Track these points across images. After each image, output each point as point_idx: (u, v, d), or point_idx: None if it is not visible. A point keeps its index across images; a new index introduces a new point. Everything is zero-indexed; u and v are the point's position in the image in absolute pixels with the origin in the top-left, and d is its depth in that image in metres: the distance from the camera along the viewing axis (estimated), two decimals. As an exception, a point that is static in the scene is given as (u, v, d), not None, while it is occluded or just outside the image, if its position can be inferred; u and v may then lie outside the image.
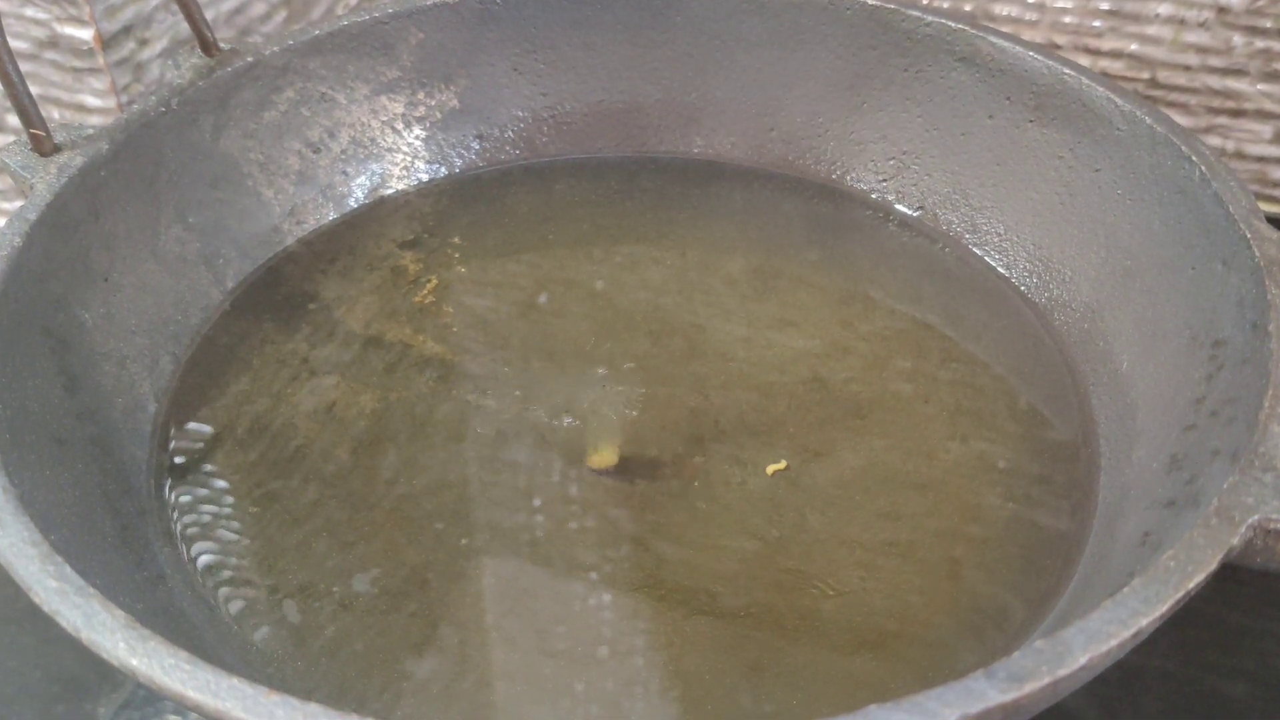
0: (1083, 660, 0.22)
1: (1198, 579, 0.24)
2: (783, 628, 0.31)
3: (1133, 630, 0.23)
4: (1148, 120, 0.36)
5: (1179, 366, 0.33)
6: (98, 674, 0.35)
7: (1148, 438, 0.33)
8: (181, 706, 0.22)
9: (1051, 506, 0.34)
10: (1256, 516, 0.25)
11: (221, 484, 0.35)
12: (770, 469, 0.35)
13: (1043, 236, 0.40)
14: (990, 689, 0.21)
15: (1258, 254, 0.31)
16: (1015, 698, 0.21)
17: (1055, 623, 0.30)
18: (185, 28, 0.42)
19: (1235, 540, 0.24)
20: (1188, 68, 0.47)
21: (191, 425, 0.36)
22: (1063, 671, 0.22)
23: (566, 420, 0.36)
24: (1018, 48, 0.40)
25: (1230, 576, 0.25)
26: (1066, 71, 0.39)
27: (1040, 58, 0.40)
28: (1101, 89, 0.38)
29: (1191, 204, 0.34)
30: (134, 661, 0.22)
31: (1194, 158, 0.34)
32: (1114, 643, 0.22)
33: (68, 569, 0.24)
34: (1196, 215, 0.34)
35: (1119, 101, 0.37)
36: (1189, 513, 0.27)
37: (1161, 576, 0.24)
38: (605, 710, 0.29)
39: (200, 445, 0.36)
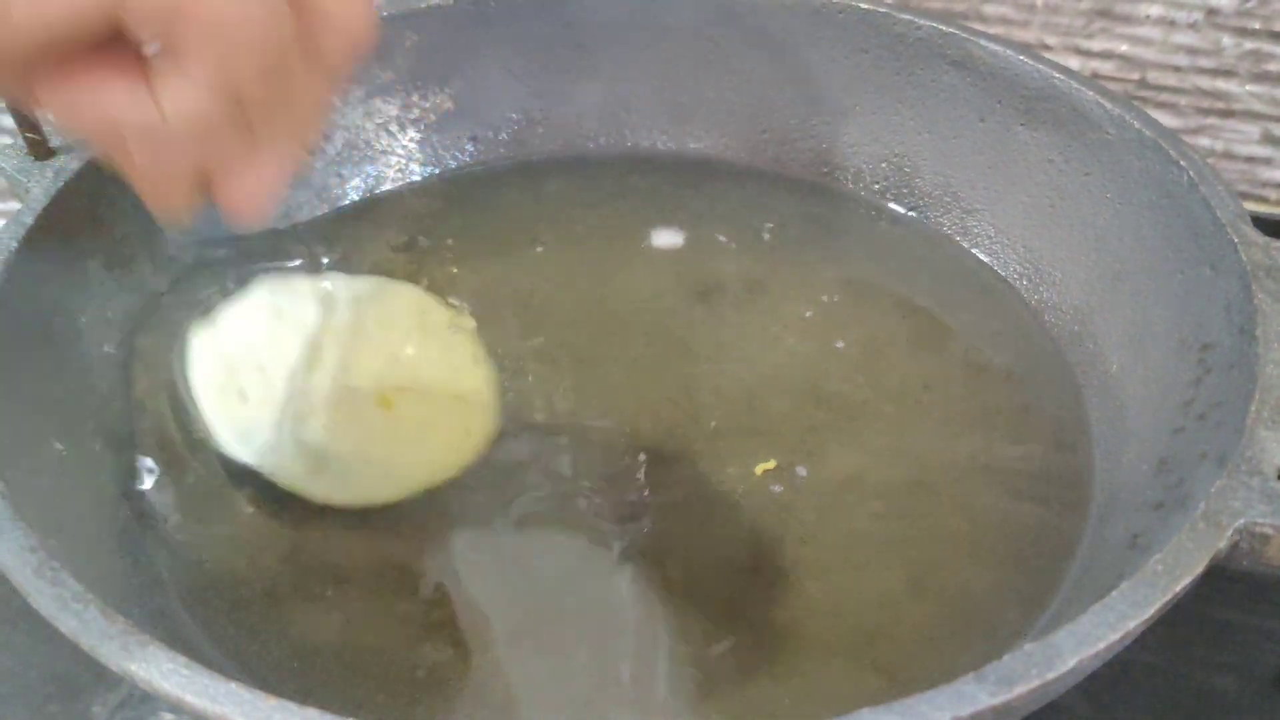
0: (1072, 663, 0.22)
1: (1185, 582, 0.24)
2: (775, 629, 0.31)
3: (1120, 633, 0.23)
4: (1136, 125, 0.36)
5: (1168, 370, 0.33)
6: (93, 673, 0.34)
7: (1138, 440, 0.33)
8: (179, 711, 0.22)
9: (1044, 507, 0.34)
10: (1243, 520, 0.25)
11: (217, 486, 0.35)
12: (759, 468, 0.35)
13: (1033, 239, 0.41)
14: (980, 692, 0.21)
15: (1245, 259, 0.31)
16: (1006, 700, 0.21)
17: (1049, 623, 0.31)
18: (179, 29, 0.42)
19: (1222, 544, 0.25)
20: (1177, 69, 0.47)
21: (189, 428, 0.36)
22: (1052, 674, 0.22)
23: (560, 419, 0.37)
24: (1009, 51, 0.40)
25: (1218, 573, 0.25)
26: (1057, 76, 0.39)
27: (1031, 62, 0.40)
28: (1091, 93, 0.38)
29: (1180, 209, 0.35)
30: (132, 666, 0.22)
31: (1182, 162, 0.35)
32: (1102, 645, 0.23)
33: (65, 574, 0.24)
34: (1185, 220, 0.34)
35: (1108, 106, 0.37)
36: (1177, 515, 0.27)
37: (1149, 580, 0.24)
38: (598, 710, 0.29)
39: (196, 448, 0.36)
